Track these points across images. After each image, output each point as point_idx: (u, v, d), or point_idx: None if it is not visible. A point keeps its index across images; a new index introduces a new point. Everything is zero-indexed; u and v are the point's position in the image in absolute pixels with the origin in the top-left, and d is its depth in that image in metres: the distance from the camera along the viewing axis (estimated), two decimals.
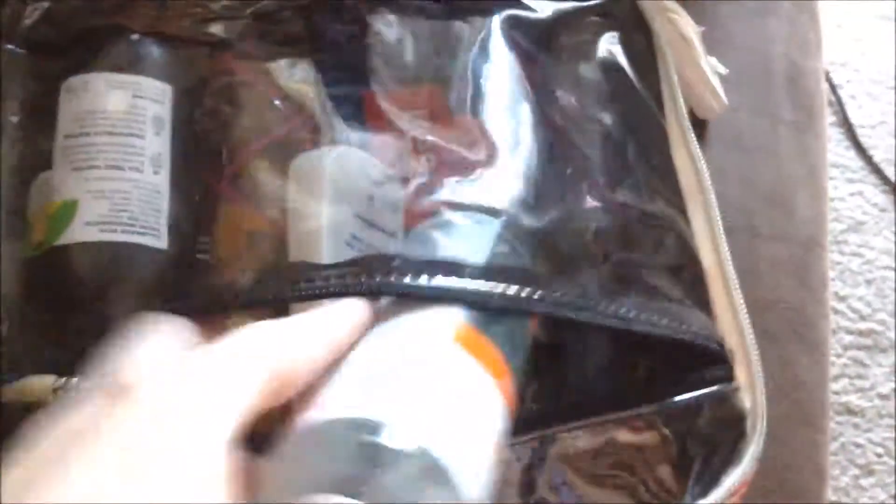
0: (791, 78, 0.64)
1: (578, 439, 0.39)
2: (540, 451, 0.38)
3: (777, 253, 0.58)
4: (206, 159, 0.47)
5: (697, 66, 0.52)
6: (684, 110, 0.46)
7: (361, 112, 0.51)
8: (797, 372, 0.56)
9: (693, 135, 0.45)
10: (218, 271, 0.45)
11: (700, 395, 0.40)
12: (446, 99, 0.51)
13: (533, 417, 0.39)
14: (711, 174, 0.45)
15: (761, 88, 0.63)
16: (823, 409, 0.56)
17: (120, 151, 0.43)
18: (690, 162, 0.45)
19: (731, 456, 0.39)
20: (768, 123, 0.61)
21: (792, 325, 0.56)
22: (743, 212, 0.58)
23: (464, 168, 0.49)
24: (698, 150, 0.45)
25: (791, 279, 0.58)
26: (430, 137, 0.51)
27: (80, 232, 0.43)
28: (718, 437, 0.40)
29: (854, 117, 1.43)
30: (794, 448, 0.54)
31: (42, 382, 0.40)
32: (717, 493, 0.38)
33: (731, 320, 0.42)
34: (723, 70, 0.54)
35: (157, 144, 0.45)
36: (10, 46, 0.47)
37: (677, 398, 0.39)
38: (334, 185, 0.43)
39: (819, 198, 0.61)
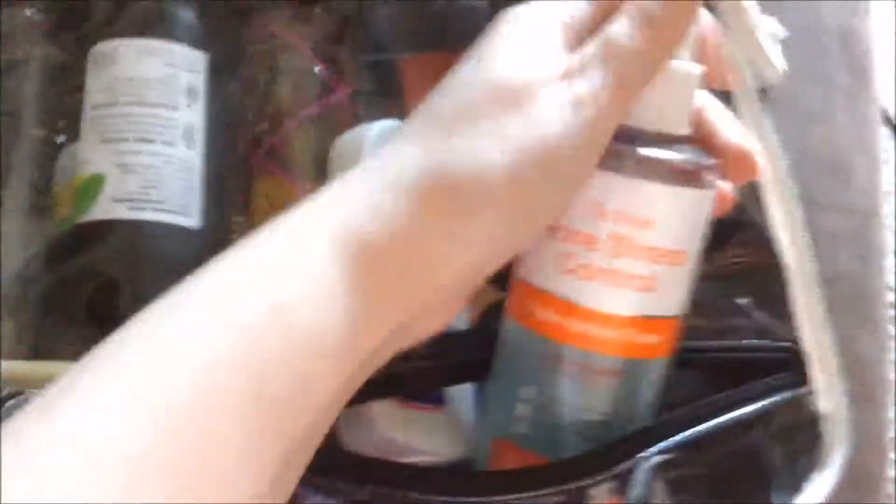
0: (843, 41, 0.61)
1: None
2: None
3: (835, 224, 0.55)
4: (243, 131, 0.44)
5: (752, 37, 0.49)
6: (755, 93, 0.43)
7: (397, 80, 0.49)
8: (857, 349, 0.53)
9: (768, 120, 0.42)
10: None
11: (775, 401, 0.38)
12: None
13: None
14: None
15: (813, 52, 0.61)
16: (885, 385, 0.53)
17: (151, 123, 0.41)
18: (766, 150, 0.42)
19: (811, 461, 0.38)
20: (822, 89, 0.59)
21: (851, 301, 0.54)
22: (800, 182, 0.55)
23: None
24: (775, 137, 0.42)
25: (849, 252, 0.55)
26: None
27: (107, 208, 0.41)
28: (797, 442, 0.38)
29: None
30: (856, 426, 0.52)
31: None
32: (801, 499, 0.37)
33: (809, 320, 0.39)
34: (781, 32, 0.51)
35: (190, 116, 0.42)
36: (27, 11, 0.45)
37: (748, 408, 0.37)
38: None
39: (874, 166, 0.58)
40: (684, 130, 0.35)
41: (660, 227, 0.34)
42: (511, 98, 0.31)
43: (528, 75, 0.31)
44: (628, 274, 0.34)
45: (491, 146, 0.30)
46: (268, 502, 0.28)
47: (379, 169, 0.31)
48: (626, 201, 0.33)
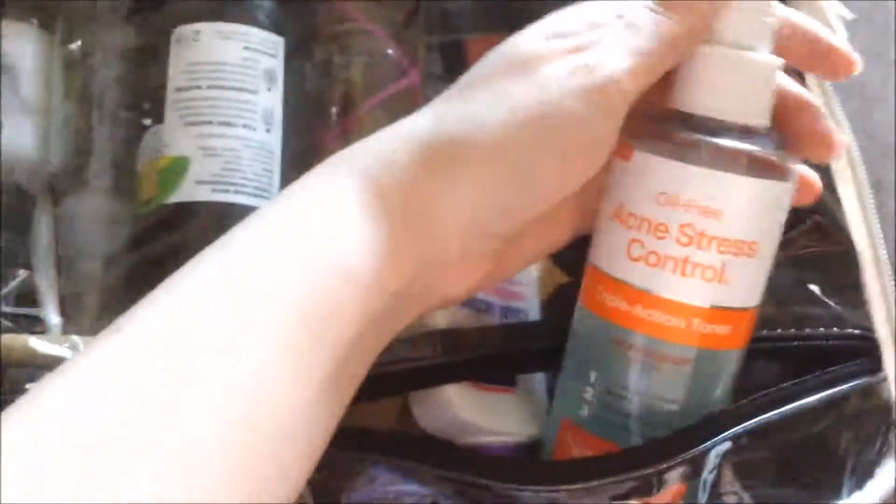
0: None
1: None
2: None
3: None
4: (317, 114, 0.45)
5: (822, 19, 0.49)
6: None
7: (467, 60, 0.49)
8: None
9: (838, 104, 0.42)
10: None
11: (846, 389, 0.38)
12: None
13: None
14: None
15: (874, 33, 0.60)
16: None
17: (232, 107, 0.42)
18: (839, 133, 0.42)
19: (883, 447, 0.38)
20: (885, 69, 0.58)
21: None
22: (866, 165, 0.55)
23: None
24: (847, 122, 0.42)
25: None
26: None
27: (191, 190, 0.41)
28: (868, 429, 0.39)
29: None
30: None
31: None
32: (873, 484, 0.37)
33: (883, 307, 0.40)
34: (848, 14, 0.51)
35: (269, 100, 0.43)
36: None
37: (820, 395, 0.38)
38: None
39: None
40: (763, 122, 0.35)
41: (731, 217, 0.34)
42: (518, 67, 0.33)
43: (539, 46, 0.33)
44: (698, 263, 0.35)
45: (489, 105, 0.33)
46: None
47: (396, 128, 0.34)
48: (699, 191, 0.34)
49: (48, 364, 0.38)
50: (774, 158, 0.35)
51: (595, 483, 0.35)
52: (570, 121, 0.32)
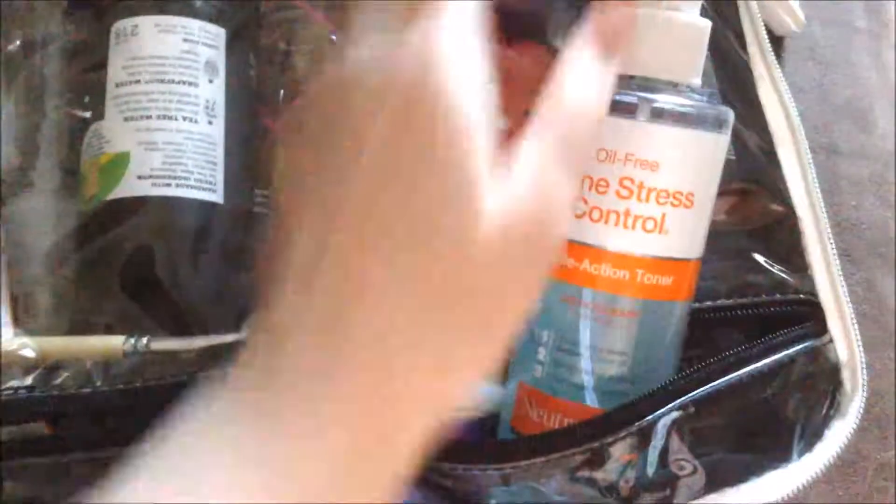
0: None
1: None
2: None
3: (857, 171, 0.55)
4: (263, 102, 0.45)
5: None
6: (768, 43, 0.43)
7: None
8: (882, 294, 0.53)
9: (780, 71, 0.42)
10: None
11: (791, 353, 0.38)
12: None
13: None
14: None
15: None
16: None
17: (172, 100, 0.42)
18: (779, 100, 0.42)
19: (831, 409, 0.39)
20: (842, 33, 0.58)
21: (875, 246, 0.54)
22: (820, 128, 0.55)
23: None
24: (786, 87, 0.42)
25: (872, 198, 0.55)
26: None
27: (132, 186, 0.41)
28: (815, 391, 0.39)
29: None
30: (880, 372, 0.52)
31: (111, 342, 0.39)
32: (823, 446, 0.37)
33: (825, 271, 0.40)
34: None
35: (210, 92, 0.43)
36: None
37: (767, 360, 0.38)
38: None
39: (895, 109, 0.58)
40: (696, 79, 0.37)
41: (667, 168, 0.36)
42: None
43: None
44: (639, 215, 0.36)
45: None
46: None
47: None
48: (636, 144, 0.35)
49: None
50: (708, 111, 0.36)
51: (541, 459, 0.35)
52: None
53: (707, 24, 0.37)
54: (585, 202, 0.36)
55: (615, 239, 0.36)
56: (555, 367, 0.38)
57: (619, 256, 0.36)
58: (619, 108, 0.35)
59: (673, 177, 0.36)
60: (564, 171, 0.29)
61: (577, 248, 0.36)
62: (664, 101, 0.35)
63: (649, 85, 0.36)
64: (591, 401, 0.37)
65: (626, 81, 0.36)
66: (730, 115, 0.37)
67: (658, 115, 0.35)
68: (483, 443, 0.39)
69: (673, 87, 0.36)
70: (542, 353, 0.38)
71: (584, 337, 0.37)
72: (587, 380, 0.37)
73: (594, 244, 0.36)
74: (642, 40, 0.36)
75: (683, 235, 0.37)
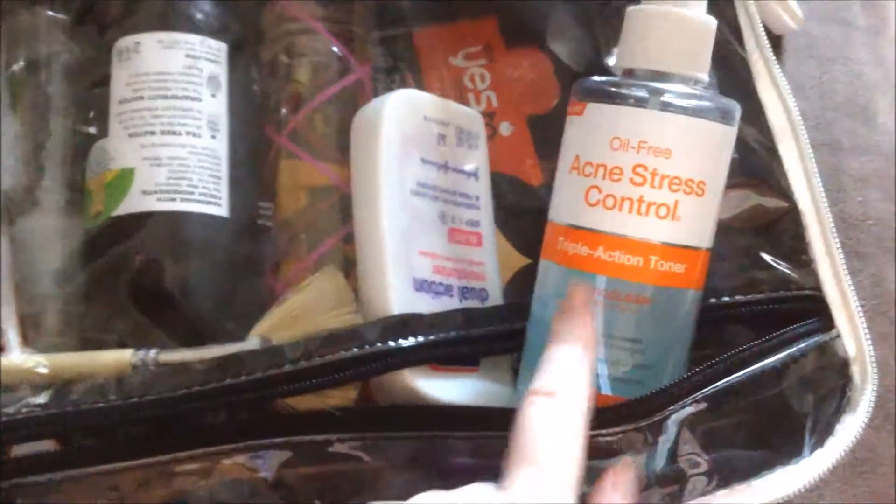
0: None
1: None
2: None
3: (861, 166, 0.55)
4: (266, 115, 0.45)
5: None
6: (766, 40, 0.43)
7: (414, 53, 0.50)
8: (887, 288, 0.53)
9: (778, 67, 0.42)
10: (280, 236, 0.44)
11: (800, 349, 0.38)
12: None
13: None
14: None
15: None
16: None
17: (176, 115, 0.42)
18: (778, 96, 0.42)
19: (841, 403, 0.39)
20: (840, 30, 0.58)
21: (881, 241, 0.54)
22: (822, 125, 0.55)
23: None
24: (785, 83, 0.42)
25: (877, 192, 0.55)
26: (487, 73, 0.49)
27: (137, 201, 0.41)
28: (825, 386, 0.39)
29: None
30: (890, 367, 0.52)
31: (120, 356, 0.39)
32: (834, 441, 0.37)
33: (829, 266, 0.40)
34: None
35: (213, 106, 0.43)
36: (49, 13, 0.46)
37: (776, 356, 0.38)
38: (398, 128, 0.42)
39: None
40: (704, 74, 0.38)
41: (680, 156, 0.36)
42: None
43: None
44: (652, 202, 0.37)
45: None
46: None
47: None
48: (650, 132, 0.36)
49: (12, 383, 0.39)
50: (717, 103, 0.37)
51: None
52: None
53: (713, 21, 0.38)
54: (600, 191, 0.37)
55: (629, 225, 0.37)
56: None
57: (633, 243, 0.37)
58: (631, 98, 0.36)
59: (685, 164, 0.37)
60: None
61: (590, 235, 0.37)
62: (675, 90, 0.37)
63: (660, 77, 0.37)
64: (606, 388, 0.37)
65: (638, 73, 0.37)
66: (737, 108, 0.38)
67: (669, 104, 0.36)
68: (484, 411, 0.39)
69: (683, 79, 0.37)
70: None
71: (598, 324, 0.37)
72: (602, 367, 0.37)
73: (608, 231, 0.37)
74: (654, 35, 0.37)
75: (695, 223, 0.37)
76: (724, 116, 0.37)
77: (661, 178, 0.36)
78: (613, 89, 0.37)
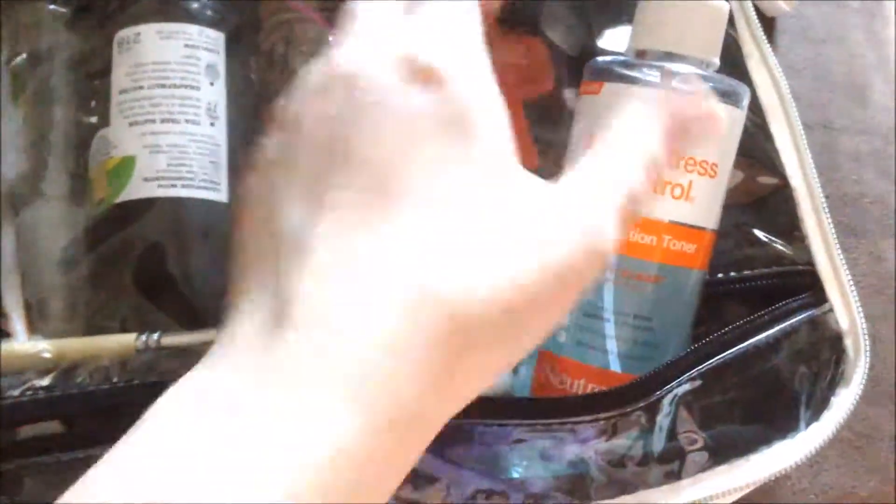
0: None
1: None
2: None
3: (856, 146, 0.55)
4: (264, 105, 0.45)
5: None
6: (756, 19, 0.43)
7: None
8: (889, 266, 0.53)
9: (769, 46, 0.43)
10: None
11: (793, 323, 0.39)
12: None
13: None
14: (782, 70, 0.43)
15: None
16: None
17: (175, 104, 0.42)
18: (769, 75, 0.42)
19: (835, 377, 0.39)
20: (836, 10, 0.58)
21: (878, 219, 0.54)
22: (816, 106, 0.56)
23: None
24: (776, 61, 0.43)
25: (872, 171, 0.55)
26: None
27: (138, 188, 0.42)
28: (819, 360, 0.39)
29: None
30: (889, 345, 0.52)
31: (124, 340, 0.40)
32: (829, 414, 0.38)
33: (822, 241, 0.40)
34: None
35: (212, 94, 0.44)
36: (51, 6, 0.46)
37: (770, 331, 0.39)
38: None
39: (893, 84, 0.58)
40: (714, 58, 0.39)
41: None
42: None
43: None
44: (667, 181, 0.38)
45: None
46: None
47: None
48: None
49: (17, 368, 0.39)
50: (728, 85, 0.39)
51: (553, 421, 0.36)
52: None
53: (726, 5, 0.39)
54: None
55: None
56: (579, 332, 0.39)
57: (647, 221, 0.38)
58: (645, 79, 0.37)
59: (700, 146, 0.37)
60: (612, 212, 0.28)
61: None
62: (694, 71, 0.38)
63: (674, 59, 0.38)
64: (616, 366, 0.38)
65: (652, 55, 0.38)
66: (746, 91, 0.39)
67: (686, 85, 0.37)
68: (498, 400, 0.39)
69: (695, 62, 0.38)
70: (567, 318, 0.39)
71: (609, 301, 0.38)
72: (612, 345, 0.38)
73: None
74: (669, 18, 0.38)
75: (706, 204, 0.38)
76: (735, 99, 0.38)
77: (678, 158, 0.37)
78: (631, 71, 0.38)
